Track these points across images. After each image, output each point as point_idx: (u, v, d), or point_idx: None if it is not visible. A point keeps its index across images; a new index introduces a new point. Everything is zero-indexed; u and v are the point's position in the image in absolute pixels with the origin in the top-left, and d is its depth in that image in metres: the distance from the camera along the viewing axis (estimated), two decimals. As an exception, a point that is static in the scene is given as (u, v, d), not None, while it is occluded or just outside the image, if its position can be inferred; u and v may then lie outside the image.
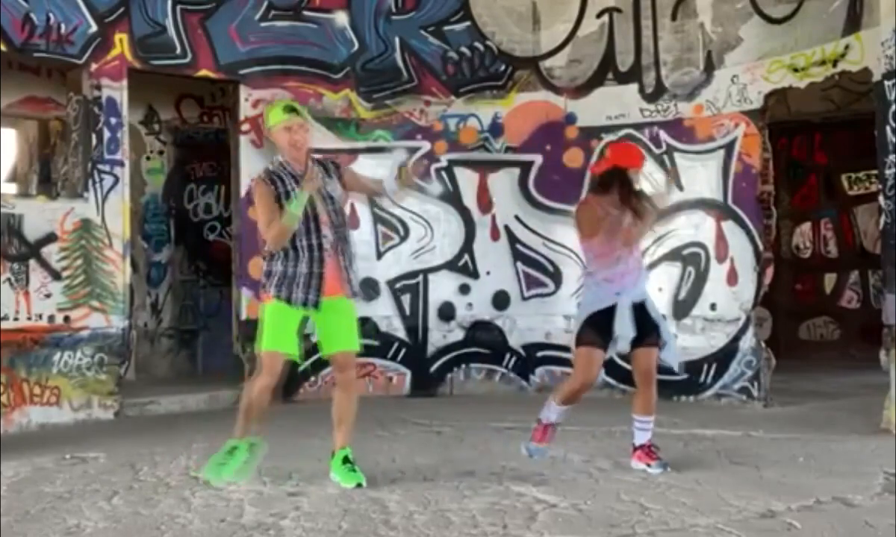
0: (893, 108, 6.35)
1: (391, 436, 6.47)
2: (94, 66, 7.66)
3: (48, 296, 7.34)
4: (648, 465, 5.13)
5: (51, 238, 7.40)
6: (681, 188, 8.29)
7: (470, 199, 9.02)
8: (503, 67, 9.12)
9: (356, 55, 8.87)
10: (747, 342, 7.89)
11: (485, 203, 9.04)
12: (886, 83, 6.41)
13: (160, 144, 10.20)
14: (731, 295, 8.03)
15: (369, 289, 8.46)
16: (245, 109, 8.47)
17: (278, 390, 8.29)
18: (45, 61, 8.22)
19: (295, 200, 4.72)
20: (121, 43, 7.80)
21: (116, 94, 7.78)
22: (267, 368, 4.85)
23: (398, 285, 8.87)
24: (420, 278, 8.90)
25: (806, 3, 7.64)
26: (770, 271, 7.96)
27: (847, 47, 7.22)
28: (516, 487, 4.78)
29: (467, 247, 9.00)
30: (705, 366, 8.07)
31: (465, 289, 8.98)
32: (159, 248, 10.23)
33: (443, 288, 8.94)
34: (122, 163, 7.84)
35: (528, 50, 9.13)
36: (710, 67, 8.25)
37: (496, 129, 9.07)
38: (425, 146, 8.91)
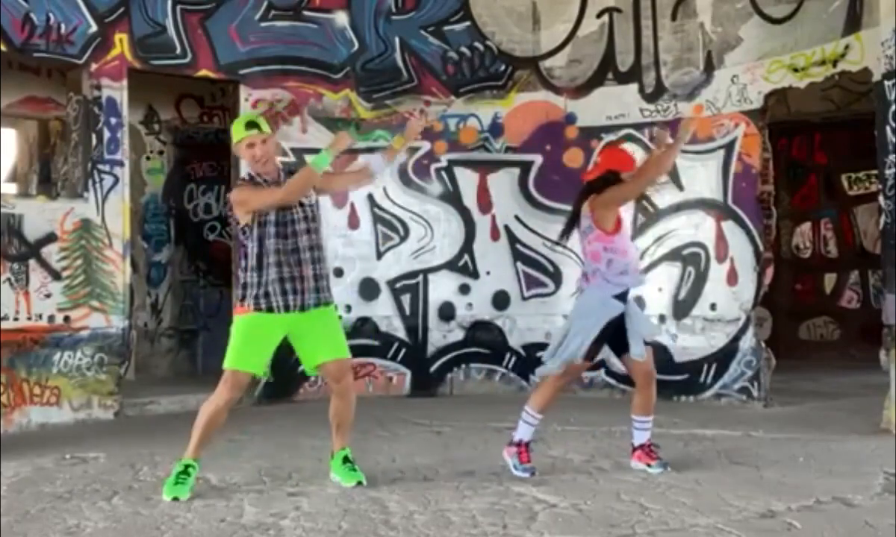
0: (893, 108, 6.35)
1: (391, 436, 6.47)
2: (94, 66, 7.66)
3: (48, 296, 7.34)
4: (648, 465, 5.14)
5: (51, 238, 7.40)
6: (681, 188, 8.30)
7: (470, 199, 9.02)
8: (503, 67, 9.12)
9: (356, 55, 8.87)
10: (747, 342, 7.88)
11: (485, 203, 9.04)
12: (886, 83, 6.41)
13: (160, 144, 10.20)
14: (731, 295, 8.03)
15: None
16: (245, 109, 8.45)
17: (279, 390, 8.35)
18: (45, 61, 8.22)
19: (323, 151, 4.75)
20: (121, 43, 7.79)
21: (116, 94, 7.78)
22: (230, 386, 4.72)
23: (398, 285, 8.87)
24: (420, 278, 8.90)
25: (806, 3, 7.63)
26: (770, 271, 7.96)
27: (847, 47, 7.22)
28: (516, 487, 4.79)
29: (467, 247, 9.00)
30: (705, 366, 8.07)
31: (465, 289, 8.98)
32: (159, 248, 10.23)
33: (443, 288, 8.94)
34: (122, 163, 7.84)
35: (528, 50, 9.13)
36: (710, 67, 8.25)
37: (496, 129, 9.07)
38: (425, 146, 8.91)
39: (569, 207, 8.89)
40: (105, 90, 7.72)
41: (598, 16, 8.87)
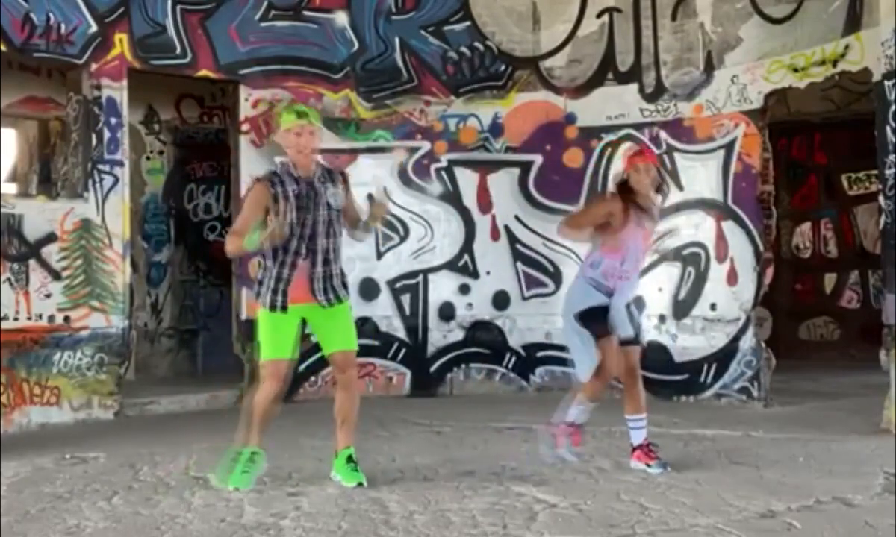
0: (893, 108, 6.35)
1: (391, 436, 6.47)
2: (94, 66, 7.66)
3: (48, 296, 7.34)
4: (648, 465, 5.14)
5: (51, 238, 7.40)
6: (681, 188, 8.30)
7: (470, 199, 9.02)
8: (503, 67, 9.12)
9: (356, 55, 8.87)
10: (747, 342, 7.88)
11: (485, 203, 9.04)
12: (886, 83, 6.41)
13: (160, 144, 10.20)
14: (731, 295, 8.03)
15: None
16: (245, 109, 8.47)
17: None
18: (45, 61, 8.22)
19: (256, 232, 4.71)
20: (121, 43, 7.80)
21: (116, 94, 7.78)
22: (271, 376, 4.86)
23: (398, 285, 8.87)
24: (420, 278, 8.90)
25: (806, 3, 7.63)
26: (770, 271, 7.96)
27: (847, 47, 7.22)
28: (516, 487, 4.79)
29: (467, 247, 9.00)
30: (705, 366, 8.07)
31: (465, 289, 8.98)
32: (159, 248, 10.23)
33: (443, 288, 8.94)
34: (122, 163, 7.84)
35: (528, 50, 9.13)
36: (710, 67, 8.25)
37: (496, 129, 9.07)
38: (425, 146, 8.92)
39: (569, 207, 8.98)
40: (105, 90, 7.72)
41: (598, 16, 8.87)
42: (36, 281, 7.29)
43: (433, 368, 8.89)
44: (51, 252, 7.39)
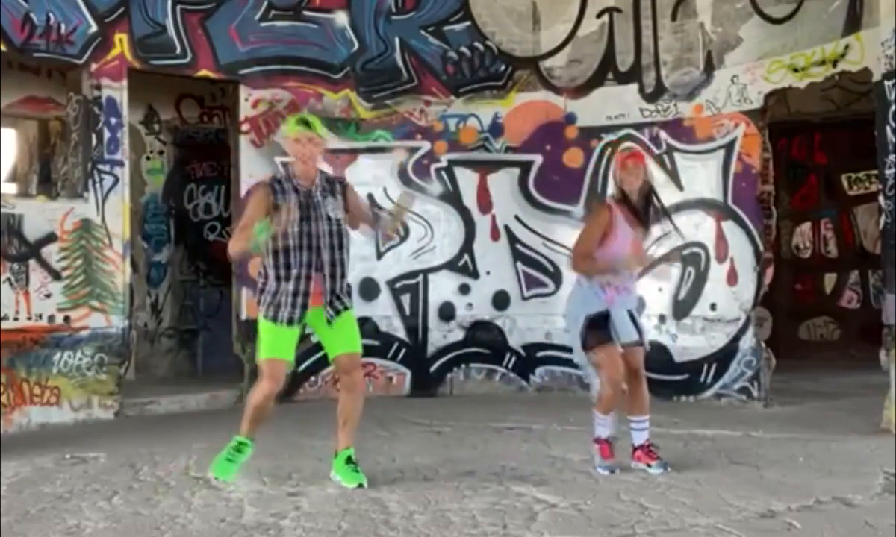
0: (893, 108, 6.35)
1: (391, 436, 6.47)
2: (94, 66, 7.66)
3: (48, 296, 7.34)
4: (649, 465, 5.14)
5: (51, 238, 7.40)
6: (681, 188, 8.30)
7: (470, 199, 9.02)
8: (503, 67, 9.12)
9: (356, 55, 8.87)
10: (747, 342, 7.88)
11: (485, 203, 9.04)
12: (886, 83, 6.41)
13: (160, 144, 10.20)
14: (731, 295, 8.03)
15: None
16: (245, 109, 8.47)
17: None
18: (45, 61, 8.21)
19: (263, 228, 4.71)
20: (121, 43, 7.80)
21: (116, 94, 7.78)
22: (268, 375, 4.89)
23: (398, 285, 8.87)
24: (420, 278, 8.90)
25: (806, 3, 7.63)
26: (770, 271, 7.96)
27: (847, 47, 7.22)
28: (516, 487, 4.79)
29: (467, 247, 9.00)
30: (705, 366, 8.07)
31: (465, 289, 8.98)
32: (159, 248, 10.23)
33: (443, 288, 8.94)
34: (122, 163, 7.84)
35: (528, 50, 9.13)
36: (710, 67, 8.25)
37: (496, 129, 9.07)
38: (425, 146, 8.92)
39: (569, 207, 8.97)
40: (105, 90, 7.72)
41: (598, 16, 8.87)
42: (36, 281, 7.29)
43: (433, 368, 8.89)
44: (51, 252, 7.39)
